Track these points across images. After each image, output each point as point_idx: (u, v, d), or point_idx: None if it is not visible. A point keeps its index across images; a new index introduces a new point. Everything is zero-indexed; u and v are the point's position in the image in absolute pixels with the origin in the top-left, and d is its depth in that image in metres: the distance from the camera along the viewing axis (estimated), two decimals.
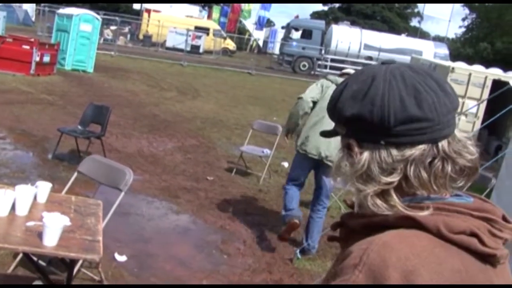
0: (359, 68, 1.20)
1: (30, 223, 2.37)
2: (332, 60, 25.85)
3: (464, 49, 39.53)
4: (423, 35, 40.66)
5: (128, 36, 31.17)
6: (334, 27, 28.98)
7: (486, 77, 10.40)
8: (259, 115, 11.45)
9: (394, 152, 0.84)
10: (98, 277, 3.32)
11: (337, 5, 52.35)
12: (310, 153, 4.21)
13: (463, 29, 42.43)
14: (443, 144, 0.84)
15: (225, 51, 31.47)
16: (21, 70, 11.51)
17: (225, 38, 32.27)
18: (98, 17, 14.98)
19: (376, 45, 27.16)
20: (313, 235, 4.39)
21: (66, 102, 9.71)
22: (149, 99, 11.96)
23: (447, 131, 0.84)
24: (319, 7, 60.88)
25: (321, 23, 28.95)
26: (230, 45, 33.09)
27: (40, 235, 2.25)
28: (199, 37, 28.55)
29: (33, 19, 32.71)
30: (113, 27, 27.13)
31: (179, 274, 3.80)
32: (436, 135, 0.83)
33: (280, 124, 6.81)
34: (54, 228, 2.23)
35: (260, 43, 38.72)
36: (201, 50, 28.24)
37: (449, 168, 0.83)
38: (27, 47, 11.66)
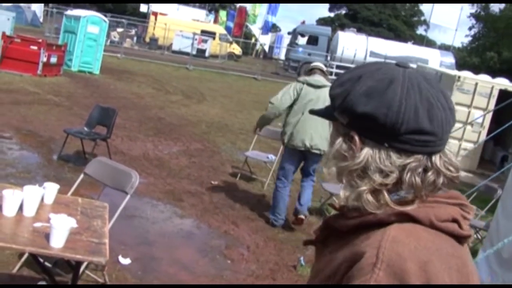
0: None
1: (38, 224, 2.38)
2: (338, 67, 25.80)
3: (470, 58, 39.40)
4: (429, 43, 40.61)
5: (135, 38, 31.29)
6: (340, 34, 29.02)
7: (492, 87, 10.34)
8: None
9: (394, 156, 0.87)
10: (102, 280, 3.32)
11: (343, 11, 52.47)
12: (297, 146, 4.91)
13: (470, 38, 42.32)
14: (436, 157, 0.89)
15: (231, 56, 31.42)
16: (28, 70, 11.56)
17: (231, 43, 32.24)
18: (105, 19, 15.06)
19: (382, 52, 27.09)
20: (304, 196, 5.15)
21: (72, 103, 9.75)
22: (154, 102, 11.98)
23: (443, 147, 0.90)
24: (325, 13, 61.03)
25: (327, 30, 28.99)
26: (236, 49, 33.05)
27: (47, 236, 2.26)
28: (205, 41, 28.57)
29: (41, 20, 32.88)
30: (119, 29, 27.20)
31: (183, 278, 3.80)
32: (435, 150, 0.88)
33: None
34: (61, 230, 2.24)
35: (266, 48, 38.74)
36: (207, 54, 28.26)
37: (440, 181, 0.89)
38: (35, 47, 11.70)
